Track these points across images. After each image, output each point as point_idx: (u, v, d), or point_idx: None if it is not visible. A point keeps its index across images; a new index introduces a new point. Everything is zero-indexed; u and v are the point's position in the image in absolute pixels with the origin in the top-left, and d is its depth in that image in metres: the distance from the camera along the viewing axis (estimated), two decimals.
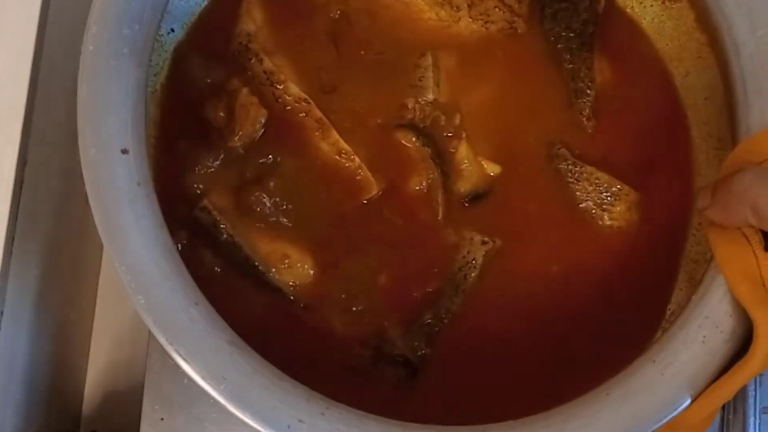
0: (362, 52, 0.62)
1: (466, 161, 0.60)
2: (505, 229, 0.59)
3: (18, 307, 0.59)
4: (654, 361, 0.49)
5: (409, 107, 0.61)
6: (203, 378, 0.46)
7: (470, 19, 0.62)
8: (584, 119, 0.61)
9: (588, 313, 0.58)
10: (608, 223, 0.59)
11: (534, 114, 0.62)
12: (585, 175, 0.59)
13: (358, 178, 0.59)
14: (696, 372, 0.48)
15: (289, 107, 0.59)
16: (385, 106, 0.61)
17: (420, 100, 0.60)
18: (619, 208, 0.59)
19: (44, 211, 0.62)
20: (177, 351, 0.46)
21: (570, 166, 0.60)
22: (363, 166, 0.59)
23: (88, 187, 0.47)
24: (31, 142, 0.57)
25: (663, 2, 0.64)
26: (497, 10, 0.62)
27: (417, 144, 0.60)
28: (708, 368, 0.49)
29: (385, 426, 0.48)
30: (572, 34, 0.62)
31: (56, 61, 0.59)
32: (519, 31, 0.63)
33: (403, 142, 0.60)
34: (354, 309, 0.57)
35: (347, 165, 0.59)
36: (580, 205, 0.60)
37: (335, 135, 0.59)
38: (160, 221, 0.49)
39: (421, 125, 0.60)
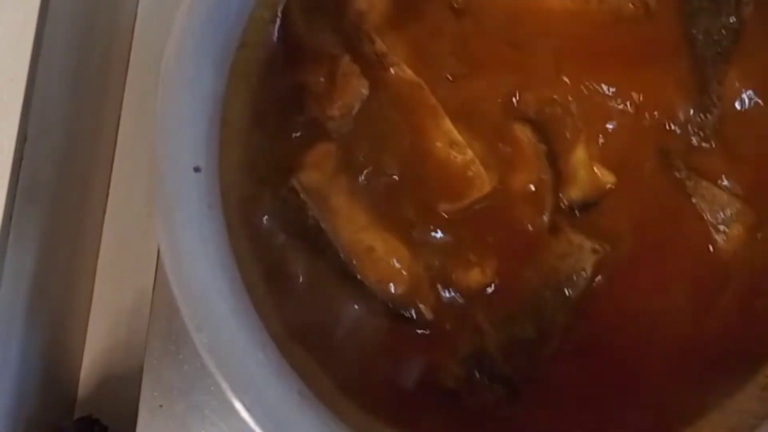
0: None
1: (581, 166, 0.55)
2: (615, 239, 0.55)
3: (14, 287, 0.58)
4: None
5: (529, 101, 0.56)
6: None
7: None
8: (701, 140, 0.56)
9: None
10: (723, 246, 0.55)
11: (651, 119, 0.56)
12: (701, 190, 0.55)
13: (470, 174, 0.54)
14: None
15: (400, 90, 0.55)
16: (502, 98, 0.56)
17: (541, 93, 0.56)
18: (736, 231, 0.55)
19: (43, 190, 0.61)
20: (241, 400, 0.42)
21: (686, 179, 0.55)
22: (476, 160, 0.54)
23: (157, 204, 0.43)
24: (31, 117, 0.56)
25: None
26: None
27: (533, 140, 0.55)
28: None
29: None
30: (710, 40, 0.57)
31: (59, 34, 0.58)
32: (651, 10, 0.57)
33: (519, 135, 0.55)
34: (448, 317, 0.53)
35: (458, 159, 0.54)
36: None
37: (449, 124, 0.55)
38: (229, 250, 0.46)
39: (539, 120, 0.56)
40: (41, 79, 0.56)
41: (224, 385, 0.42)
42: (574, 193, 0.54)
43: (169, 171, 0.44)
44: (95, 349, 0.72)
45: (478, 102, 0.56)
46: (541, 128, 0.55)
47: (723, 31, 0.56)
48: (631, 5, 0.56)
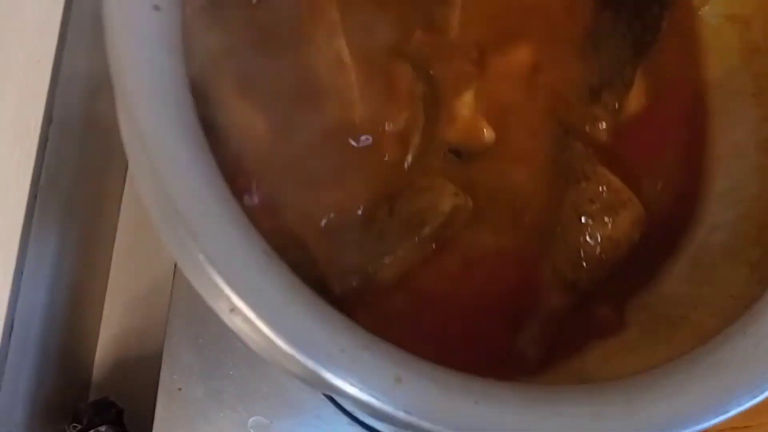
0: None
1: (464, 108, 0.54)
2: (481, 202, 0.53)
3: (37, 266, 0.58)
4: (744, 333, 0.45)
5: (420, 40, 0.55)
6: (234, 289, 0.37)
7: None
8: (606, 114, 0.56)
9: None
10: (607, 233, 0.54)
11: (557, 94, 0.56)
12: (596, 176, 0.54)
13: (344, 96, 0.53)
14: None
15: None
16: (396, 31, 0.54)
17: (434, 35, 0.55)
18: (621, 222, 0.54)
19: (66, 171, 0.61)
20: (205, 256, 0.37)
21: (582, 162, 0.54)
22: (355, 86, 0.52)
23: (108, 45, 0.39)
24: (57, 100, 0.55)
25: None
26: None
27: (410, 80, 0.54)
28: None
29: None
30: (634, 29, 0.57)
31: (85, 17, 0.58)
32: None
33: (397, 72, 0.54)
34: None
35: (338, 80, 0.52)
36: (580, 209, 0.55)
37: (342, 43, 0.53)
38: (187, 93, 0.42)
39: (422, 60, 0.54)
40: (67, 61, 0.55)
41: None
42: (451, 134, 0.54)
43: (120, 11, 0.39)
44: (111, 332, 0.73)
45: (372, 31, 0.54)
46: (422, 68, 0.54)
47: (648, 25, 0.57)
48: None
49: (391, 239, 0.51)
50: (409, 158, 0.54)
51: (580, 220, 0.54)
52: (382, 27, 0.54)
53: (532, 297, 0.54)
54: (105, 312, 0.73)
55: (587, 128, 0.56)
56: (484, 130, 0.54)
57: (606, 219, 0.54)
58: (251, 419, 0.58)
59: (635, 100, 0.57)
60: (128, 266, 0.73)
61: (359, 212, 0.51)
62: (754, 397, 0.43)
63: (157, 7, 0.40)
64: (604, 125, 0.56)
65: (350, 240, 0.51)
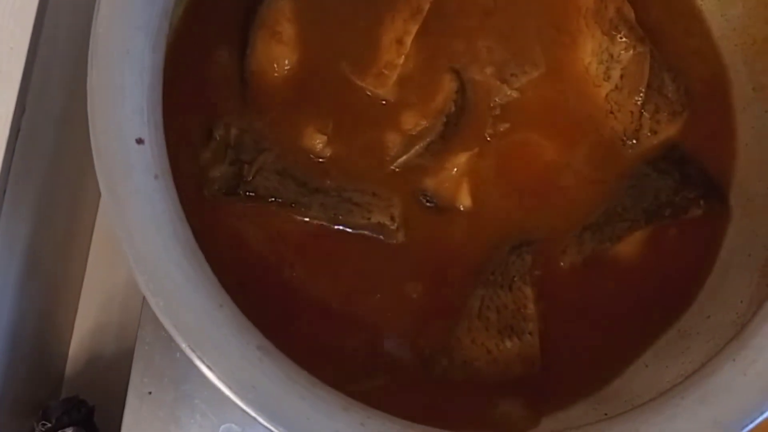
0: None
1: (453, 167, 0.57)
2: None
3: (7, 260, 0.57)
4: (734, 360, 0.45)
5: (479, 67, 0.58)
6: (230, 387, 0.42)
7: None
8: (577, 255, 0.56)
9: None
10: (489, 346, 0.55)
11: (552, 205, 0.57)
12: (518, 293, 0.54)
13: (386, 72, 0.57)
14: None
15: None
16: (467, 51, 0.59)
17: (491, 73, 0.58)
18: (509, 347, 0.54)
19: (39, 163, 0.60)
20: (201, 358, 0.42)
21: (518, 272, 0.55)
22: (398, 68, 0.57)
23: (101, 178, 0.44)
24: (31, 88, 0.54)
25: None
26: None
27: (451, 93, 0.57)
28: None
29: None
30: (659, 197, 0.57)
31: (64, 4, 0.57)
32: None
33: (443, 83, 0.57)
34: None
35: (391, 56, 0.57)
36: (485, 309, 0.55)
37: (414, 29, 0.57)
38: (181, 215, 0.45)
39: (471, 87, 0.58)
40: (43, 48, 0.54)
41: (184, 346, 0.42)
42: (430, 182, 0.56)
43: (108, 144, 0.44)
44: (85, 328, 0.71)
45: (447, 38, 0.59)
46: (466, 92, 0.57)
47: (673, 201, 0.57)
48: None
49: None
50: (402, 160, 0.56)
51: (478, 317, 0.54)
52: (455, 44, 0.59)
53: None
54: (81, 306, 0.72)
55: (560, 256, 0.56)
56: (463, 194, 0.56)
57: (497, 333, 0.54)
58: (223, 426, 0.57)
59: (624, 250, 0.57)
60: (106, 260, 0.72)
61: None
62: (744, 426, 0.43)
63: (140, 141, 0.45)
64: (566, 263, 0.56)
65: None
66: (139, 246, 0.43)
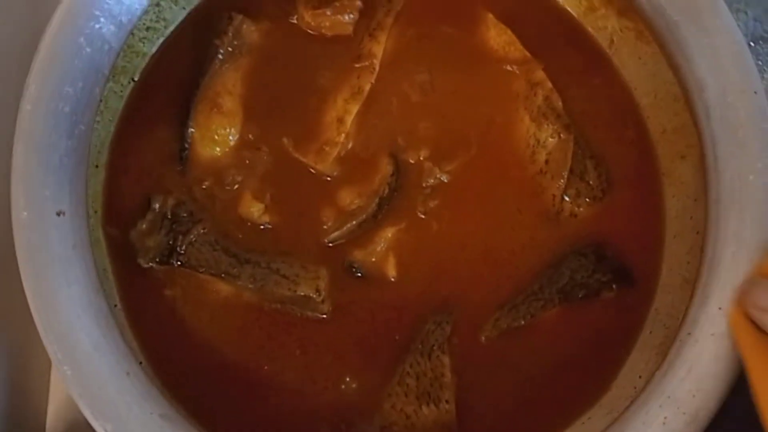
0: None
1: (382, 241, 0.59)
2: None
3: None
4: None
5: (414, 150, 0.61)
6: None
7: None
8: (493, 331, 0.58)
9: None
10: (408, 411, 0.56)
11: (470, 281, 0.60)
12: (436, 361, 0.57)
13: (326, 149, 0.60)
14: None
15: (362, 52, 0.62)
16: (404, 135, 0.61)
17: (425, 156, 0.61)
18: (426, 415, 0.56)
19: None
20: (103, 427, 0.45)
21: (437, 341, 0.57)
22: (338, 147, 0.60)
23: (18, 252, 0.46)
24: None
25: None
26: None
27: (387, 176, 0.59)
28: None
29: None
30: (575, 278, 0.59)
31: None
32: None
33: (381, 165, 0.60)
34: None
35: (332, 134, 0.60)
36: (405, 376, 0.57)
37: (354, 110, 0.60)
38: (96, 285, 0.48)
39: (405, 169, 0.60)
40: None
41: (87, 413, 0.45)
42: (359, 254, 0.58)
43: (28, 219, 0.46)
44: (59, 399, 0.69)
45: (386, 118, 0.62)
46: (402, 175, 0.60)
47: (588, 282, 0.59)
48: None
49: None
50: (334, 235, 0.59)
51: (398, 383, 0.56)
52: (394, 124, 0.62)
53: None
54: (52, 378, 0.70)
55: (477, 329, 0.58)
56: (389, 267, 0.59)
57: (415, 399, 0.56)
58: None
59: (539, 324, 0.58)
60: None
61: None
62: None
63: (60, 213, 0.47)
64: (483, 336, 0.58)
65: None
66: (49, 316, 0.45)
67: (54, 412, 0.69)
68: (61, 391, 0.70)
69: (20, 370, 0.66)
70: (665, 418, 0.47)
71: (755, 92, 0.52)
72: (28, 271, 0.46)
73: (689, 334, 0.50)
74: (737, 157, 0.51)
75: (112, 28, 0.53)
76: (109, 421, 0.45)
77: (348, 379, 0.57)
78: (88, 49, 0.50)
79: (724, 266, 0.50)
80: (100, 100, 0.52)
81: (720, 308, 0.49)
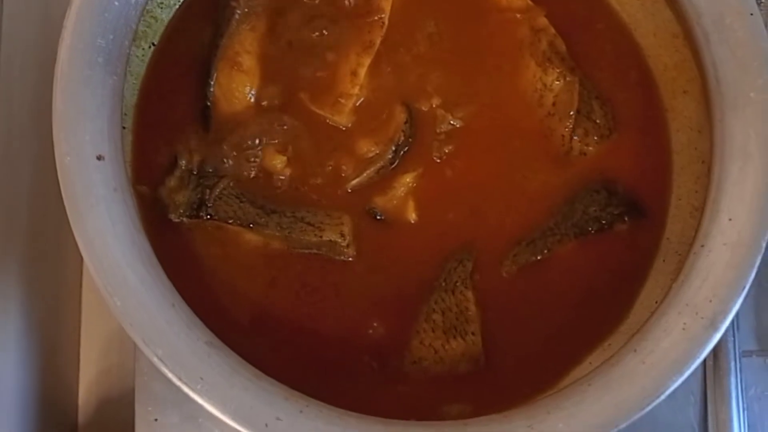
0: None
1: (400, 186, 0.61)
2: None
3: (2, 326, 0.60)
4: (635, 351, 0.50)
5: (426, 99, 0.62)
6: (180, 379, 0.47)
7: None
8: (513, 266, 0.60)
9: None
10: (436, 346, 0.59)
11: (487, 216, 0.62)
12: (460, 295, 0.59)
13: (341, 101, 0.61)
14: (677, 359, 0.49)
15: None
16: (415, 85, 0.63)
17: (437, 104, 0.62)
18: (453, 347, 0.58)
19: (19, 224, 0.62)
20: (154, 352, 0.47)
21: (459, 277, 0.59)
22: (353, 98, 0.61)
23: (64, 194, 0.48)
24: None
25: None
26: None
27: (401, 124, 0.61)
28: (689, 355, 0.49)
29: (365, 423, 0.49)
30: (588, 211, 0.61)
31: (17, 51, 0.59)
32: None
33: (395, 114, 0.61)
34: None
35: (346, 86, 0.62)
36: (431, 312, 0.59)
37: (366, 62, 0.62)
38: (137, 225, 0.50)
39: (418, 117, 0.62)
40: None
41: (138, 341, 0.47)
42: (379, 200, 0.60)
43: (71, 162, 0.48)
44: (89, 375, 0.72)
45: (398, 68, 0.63)
46: (415, 122, 0.61)
47: (600, 216, 0.61)
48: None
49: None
50: (354, 182, 0.61)
51: (425, 320, 0.58)
52: (406, 75, 0.63)
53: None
54: (82, 357, 0.73)
55: (498, 265, 0.60)
56: (409, 211, 0.60)
57: (442, 334, 0.58)
58: None
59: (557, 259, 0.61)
60: (98, 311, 0.74)
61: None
62: (642, 409, 0.48)
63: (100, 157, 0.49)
64: (503, 272, 0.60)
65: None
66: (98, 252, 0.47)
67: (86, 387, 0.73)
68: (91, 368, 0.73)
69: (51, 353, 0.69)
70: (684, 323, 0.49)
71: (751, 14, 0.54)
72: (74, 212, 0.48)
73: (702, 246, 0.51)
74: (738, 77, 0.53)
75: None
76: (159, 346, 0.47)
77: (377, 320, 0.59)
78: (117, 3, 0.52)
79: (731, 180, 0.52)
80: (128, 53, 0.54)
81: (730, 219, 0.51)
